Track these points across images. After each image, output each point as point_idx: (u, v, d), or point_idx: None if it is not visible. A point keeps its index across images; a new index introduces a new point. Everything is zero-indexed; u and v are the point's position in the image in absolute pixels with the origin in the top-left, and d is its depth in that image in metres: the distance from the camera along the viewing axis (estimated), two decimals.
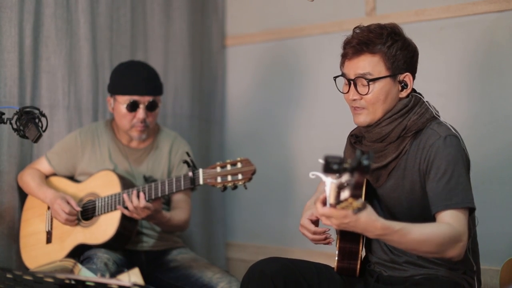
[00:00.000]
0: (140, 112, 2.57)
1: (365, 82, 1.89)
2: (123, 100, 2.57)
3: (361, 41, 1.88)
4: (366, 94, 1.89)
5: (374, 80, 1.88)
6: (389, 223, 1.65)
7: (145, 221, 2.61)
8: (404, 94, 1.93)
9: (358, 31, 1.93)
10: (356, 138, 2.04)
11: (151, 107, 2.59)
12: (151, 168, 2.68)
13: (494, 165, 2.62)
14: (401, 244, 1.72)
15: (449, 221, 1.76)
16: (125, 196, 2.41)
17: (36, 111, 2.23)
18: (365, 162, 1.36)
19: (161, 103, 2.67)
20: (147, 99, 2.57)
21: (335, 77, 1.99)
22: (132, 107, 2.56)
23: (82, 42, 2.94)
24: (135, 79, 2.57)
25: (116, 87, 2.62)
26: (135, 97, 2.56)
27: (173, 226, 2.61)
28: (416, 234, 1.69)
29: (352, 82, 1.91)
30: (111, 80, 2.67)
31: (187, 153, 2.42)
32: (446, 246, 1.72)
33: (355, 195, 1.42)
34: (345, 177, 1.41)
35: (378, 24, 1.93)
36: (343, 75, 1.96)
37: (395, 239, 1.68)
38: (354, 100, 1.92)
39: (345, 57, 1.94)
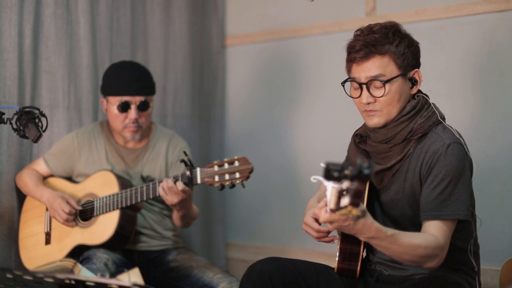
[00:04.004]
0: (132, 113, 2.56)
1: (379, 84, 1.85)
2: (114, 101, 2.57)
3: (368, 43, 1.85)
4: (381, 96, 1.86)
5: (388, 81, 1.85)
6: (383, 227, 1.67)
7: (144, 221, 2.62)
8: (414, 90, 1.92)
9: (359, 33, 1.89)
10: (360, 138, 2.03)
11: (143, 107, 2.58)
12: (148, 168, 2.67)
13: (494, 165, 2.62)
14: (388, 250, 1.73)
15: (435, 232, 1.78)
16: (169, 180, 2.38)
17: (36, 111, 2.22)
18: (366, 171, 1.35)
19: (153, 103, 2.65)
20: (138, 99, 2.56)
21: (343, 83, 1.94)
22: (124, 107, 2.55)
23: (82, 42, 2.94)
24: (125, 79, 2.57)
25: (108, 88, 2.62)
26: (126, 98, 2.55)
27: (193, 215, 2.65)
28: (404, 242, 1.71)
29: (364, 85, 1.88)
30: (103, 81, 2.67)
31: (184, 152, 2.41)
32: (427, 258, 1.75)
33: (354, 203, 1.43)
34: (346, 184, 1.40)
35: (378, 24, 1.90)
36: (352, 80, 1.91)
37: (384, 244, 1.69)
38: (368, 103, 1.89)
39: (352, 61, 1.90)
